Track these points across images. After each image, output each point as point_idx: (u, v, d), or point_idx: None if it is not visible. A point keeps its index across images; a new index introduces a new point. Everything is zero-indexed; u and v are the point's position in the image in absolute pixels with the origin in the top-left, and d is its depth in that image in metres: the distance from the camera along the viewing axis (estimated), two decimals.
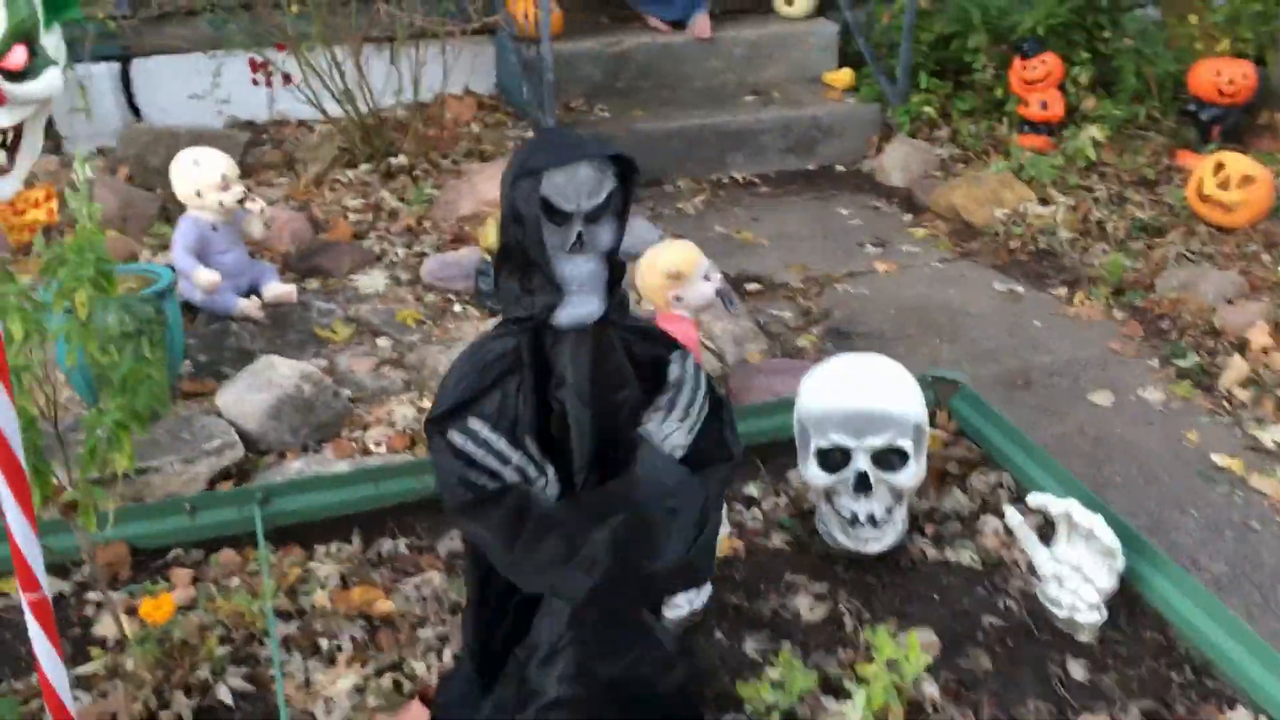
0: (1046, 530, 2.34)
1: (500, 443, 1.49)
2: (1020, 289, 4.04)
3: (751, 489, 2.70)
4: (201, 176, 3.44)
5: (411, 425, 3.00)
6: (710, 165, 5.04)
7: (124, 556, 2.29)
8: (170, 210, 4.02)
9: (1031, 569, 2.35)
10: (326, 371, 3.26)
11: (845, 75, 5.46)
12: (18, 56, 1.25)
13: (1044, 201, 4.49)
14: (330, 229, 4.16)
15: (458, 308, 3.69)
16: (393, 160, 4.66)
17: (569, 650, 1.58)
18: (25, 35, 1.25)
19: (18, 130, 1.30)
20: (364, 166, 4.66)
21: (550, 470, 1.51)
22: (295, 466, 2.81)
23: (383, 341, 3.48)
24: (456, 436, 1.47)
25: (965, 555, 2.48)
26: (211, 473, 2.78)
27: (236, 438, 2.87)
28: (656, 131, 4.97)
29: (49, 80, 1.30)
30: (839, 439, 2.34)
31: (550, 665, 1.59)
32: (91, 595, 2.21)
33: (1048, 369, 3.54)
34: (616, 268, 1.55)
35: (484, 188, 4.24)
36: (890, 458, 2.35)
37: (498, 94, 5.42)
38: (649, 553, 1.51)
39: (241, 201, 3.51)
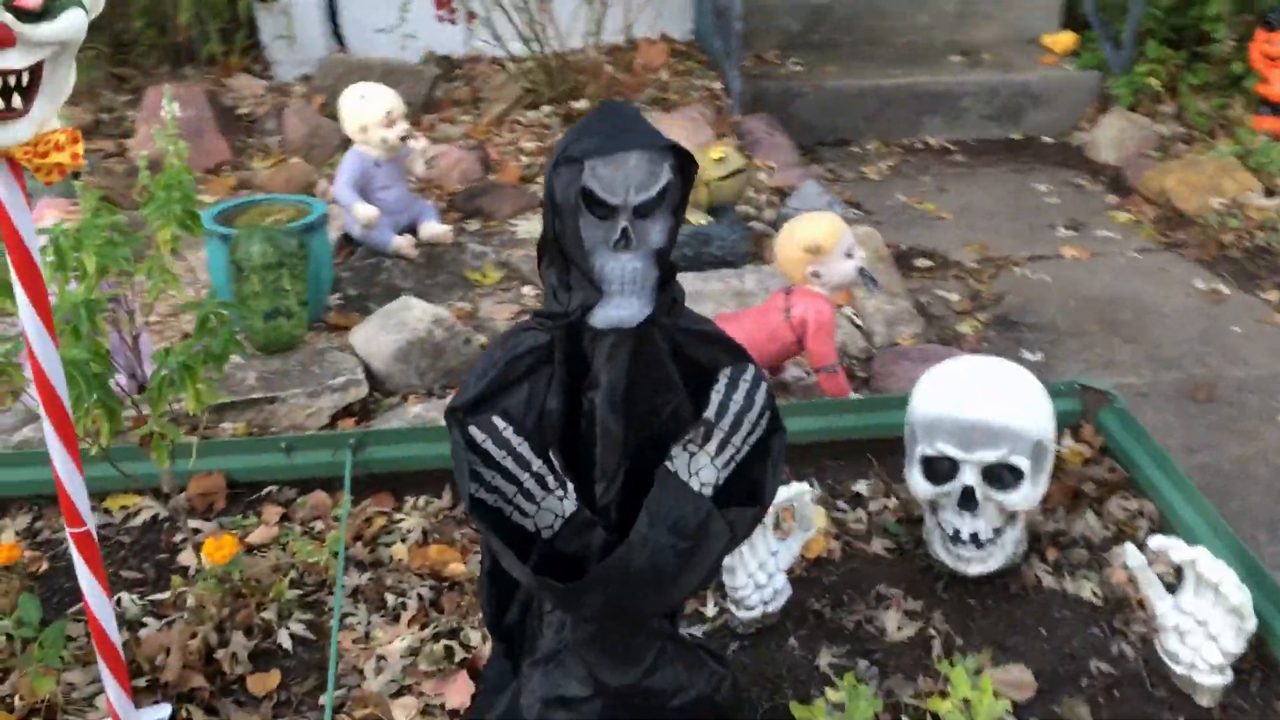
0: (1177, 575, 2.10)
1: (522, 446, 1.41)
2: (1225, 289, 3.66)
3: (860, 486, 2.54)
4: (367, 112, 3.49)
5: None
6: (903, 128, 4.78)
7: (220, 488, 2.36)
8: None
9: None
10: (468, 315, 3.28)
11: (1066, 38, 5.05)
12: None
13: (1270, 193, 4.04)
14: (499, 170, 4.17)
15: None
16: (574, 104, 4.62)
17: (571, 656, 1.51)
18: None
19: (36, 72, 1.28)
20: (546, 109, 4.64)
21: (570, 487, 1.43)
22: (415, 411, 2.83)
23: (528, 290, 3.47)
24: (476, 432, 1.41)
25: (1086, 588, 2.26)
26: (334, 409, 2.84)
27: (362, 376, 2.92)
28: (849, 89, 4.74)
29: (69, 22, 1.27)
30: (947, 448, 2.15)
31: (554, 670, 1.52)
32: (189, 523, 2.29)
33: (1239, 383, 3.19)
34: (668, 267, 1.43)
35: None
36: (1002, 474, 2.15)
37: (694, 41, 5.29)
38: (652, 597, 1.42)
39: (405, 139, 3.55)
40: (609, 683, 1.54)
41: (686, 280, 3.41)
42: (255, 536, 2.28)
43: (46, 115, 1.31)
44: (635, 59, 4.97)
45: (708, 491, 1.49)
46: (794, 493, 2.15)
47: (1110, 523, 2.43)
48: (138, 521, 2.33)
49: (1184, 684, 2.03)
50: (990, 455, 2.13)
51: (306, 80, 4.92)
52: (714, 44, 4.94)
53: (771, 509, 2.13)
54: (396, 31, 4.62)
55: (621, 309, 1.40)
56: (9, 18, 1.21)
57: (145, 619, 2.07)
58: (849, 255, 2.81)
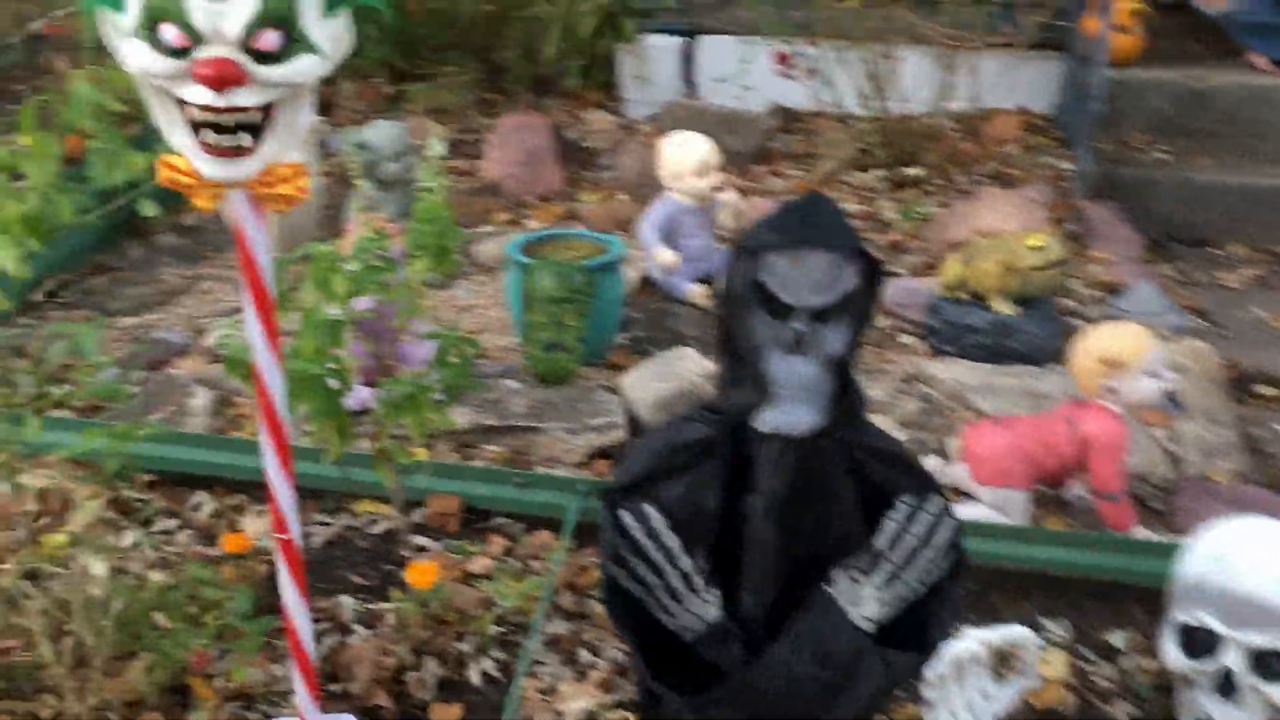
0: None
1: (671, 540, 1.35)
2: None
3: (1116, 637, 2.25)
4: (681, 159, 3.53)
5: None
6: (1277, 234, 4.24)
7: (455, 510, 2.45)
8: None
9: None
10: None
11: None
12: (269, 39, 1.29)
13: None
14: None
15: (904, 339, 3.47)
16: (907, 169, 4.46)
17: None
18: (280, 19, 1.29)
19: (268, 112, 1.35)
20: (877, 171, 4.52)
21: (716, 592, 1.35)
22: None
23: None
24: (627, 517, 1.35)
25: None
26: (590, 448, 2.88)
27: (621, 420, 2.94)
28: (1218, 185, 4.27)
29: (301, 67, 1.32)
30: (1208, 619, 1.86)
31: None
32: (419, 539, 2.39)
33: None
34: (846, 377, 1.32)
35: (986, 215, 3.92)
36: (1274, 663, 1.82)
37: (1053, 116, 4.97)
38: None
39: (716, 189, 3.56)
40: None
41: (980, 372, 3.22)
42: (476, 565, 2.34)
43: (276, 154, 1.39)
44: (984, 128, 4.73)
45: (869, 626, 1.35)
46: (1015, 636, 1.93)
47: None
48: (378, 529, 2.46)
49: None
50: (1261, 639, 1.82)
51: (653, 121, 5.07)
52: (1072, 121, 4.62)
53: (991, 647, 1.93)
54: (738, 82, 4.66)
55: (789, 415, 1.30)
56: (244, 58, 1.29)
57: (357, 625, 2.17)
58: (1153, 375, 2.51)
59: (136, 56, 1.32)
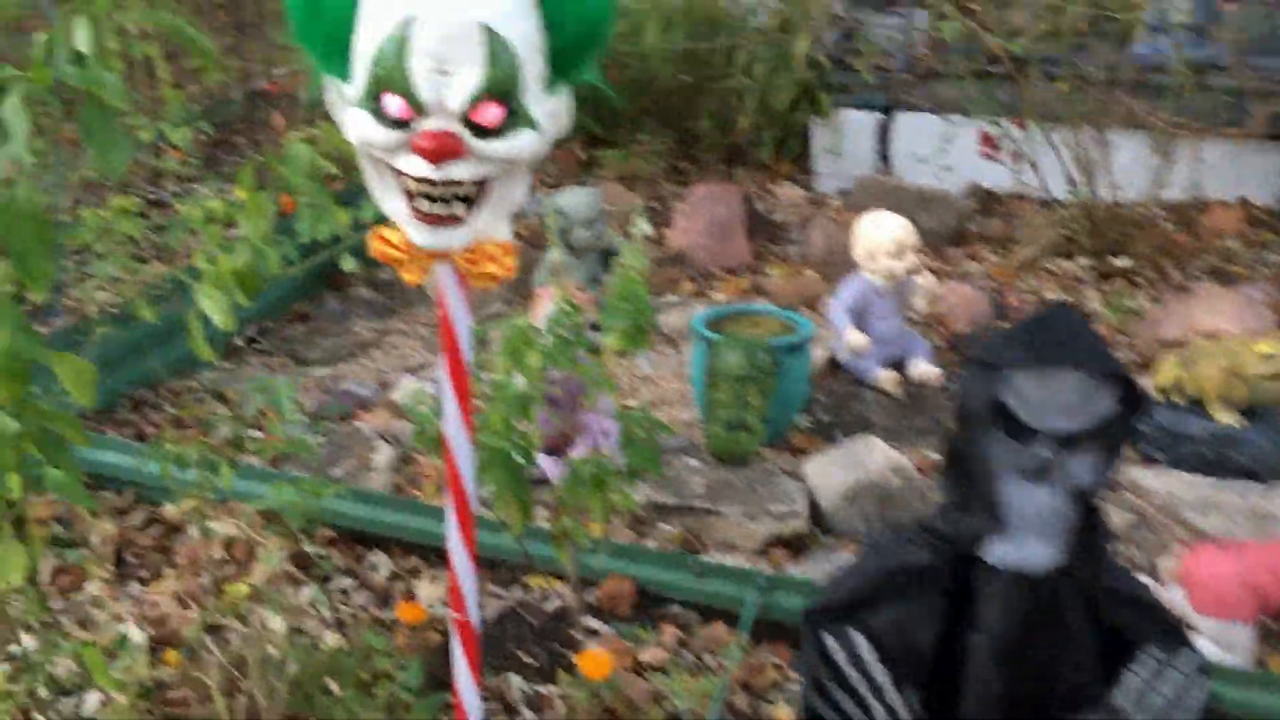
0: None
1: (878, 671, 1.23)
2: None
3: None
4: (876, 238, 3.41)
5: None
6: None
7: (628, 593, 2.36)
8: None
9: None
10: (932, 466, 3.08)
11: None
12: (490, 113, 1.25)
13: None
14: (1012, 319, 3.90)
15: None
16: (1115, 260, 4.22)
17: None
18: (503, 93, 1.25)
19: (484, 185, 1.32)
20: (1082, 260, 4.29)
21: None
22: (845, 558, 2.68)
23: None
24: (831, 643, 1.24)
25: None
26: (768, 535, 2.76)
27: (803, 510, 2.81)
28: None
29: (520, 143, 1.28)
30: None
31: None
32: (590, 621, 2.32)
33: None
34: (1090, 510, 1.18)
35: (1203, 314, 3.65)
36: None
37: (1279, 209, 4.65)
38: None
39: (911, 272, 3.42)
40: None
41: (1197, 486, 2.96)
42: (648, 654, 2.25)
43: (487, 227, 1.35)
44: (1200, 220, 4.45)
45: None
46: None
47: None
48: (550, 606, 2.40)
49: None
50: None
51: (844, 195, 4.97)
52: None
53: None
54: (936, 160, 4.51)
55: (1025, 550, 1.17)
56: (464, 131, 1.26)
57: (524, 708, 2.11)
58: None
59: (358, 126, 1.30)
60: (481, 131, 1.27)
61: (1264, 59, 4.35)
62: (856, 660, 1.24)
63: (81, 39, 1.49)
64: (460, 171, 1.29)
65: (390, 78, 1.24)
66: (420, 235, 1.34)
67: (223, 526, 2.51)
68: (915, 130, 4.92)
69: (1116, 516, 2.85)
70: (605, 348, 1.95)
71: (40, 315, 3.55)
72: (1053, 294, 4.10)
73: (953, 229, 4.53)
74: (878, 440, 3.03)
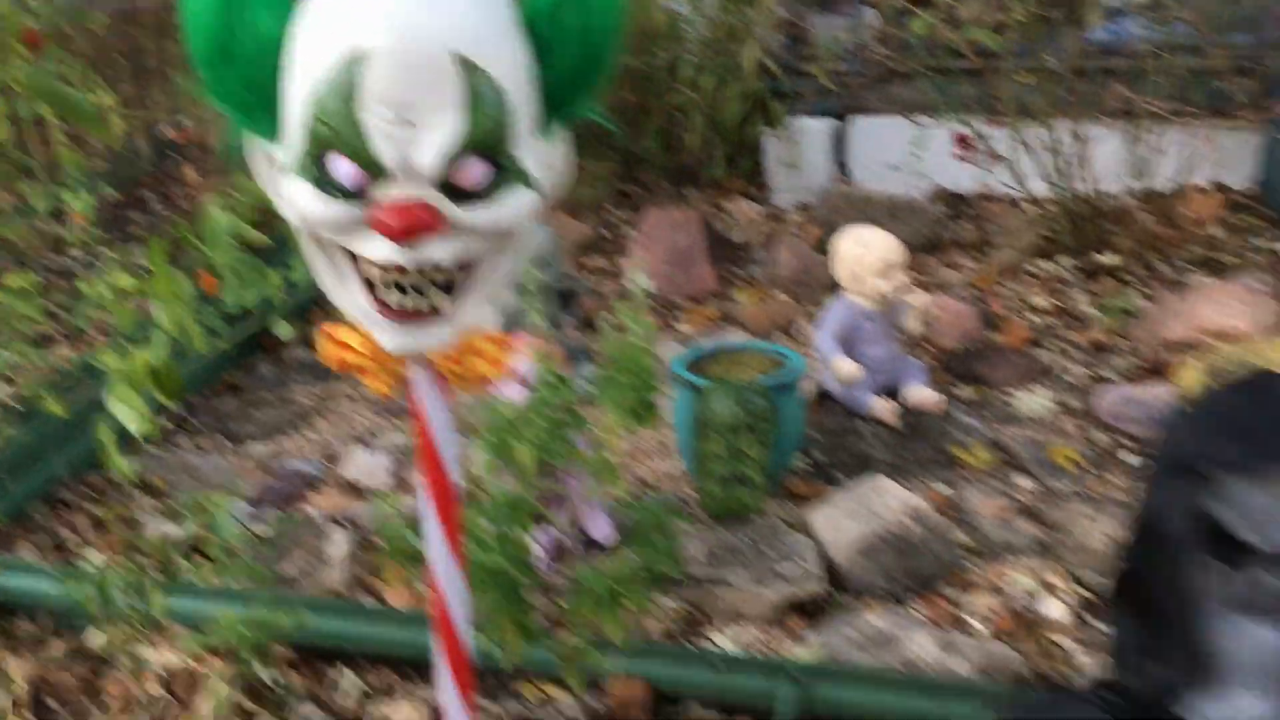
0: None
1: None
2: None
3: None
4: (862, 259, 3.14)
5: (1028, 605, 2.44)
6: None
7: (639, 697, 2.05)
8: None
9: None
10: (947, 503, 2.81)
11: None
12: (474, 173, 0.94)
13: None
14: (1002, 329, 3.66)
15: (1130, 458, 2.99)
16: (1100, 257, 4.00)
17: None
18: (487, 145, 0.95)
19: (468, 267, 1.00)
20: (1064, 260, 4.06)
21: None
22: (873, 621, 2.39)
23: (1024, 481, 2.92)
24: None
25: None
26: (781, 600, 2.47)
27: (816, 568, 2.52)
28: None
29: (513, 207, 0.97)
30: None
31: None
32: None
33: None
34: None
35: (1206, 311, 3.43)
36: None
37: (1258, 192, 4.46)
38: None
39: (901, 292, 3.15)
40: None
41: None
42: None
43: (475, 317, 1.04)
44: (1178, 208, 4.25)
45: None
46: None
47: None
48: (551, 717, 2.08)
49: None
50: None
51: (804, 210, 4.71)
52: None
53: None
54: (904, 166, 4.26)
55: (1244, 708, 0.88)
56: (440, 199, 0.94)
57: None
58: None
59: (297, 200, 0.98)
60: (463, 196, 0.95)
61: (1232, 35, 4.17)
62: None
63: None
64: (438, 252, 0.97)
65: (336, 134, 0.92)
66: (389, 337, 1.02)
67: (159, 655, 2.16)
68: (874, 135, 4.69)
69: None
70: (608, 430, 1.65)
71: None
72: (1040, 298, 3.87)
73: (925, 237, 4.28)
74: (886, 481, 2.74)
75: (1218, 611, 0.87)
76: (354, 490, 3.01)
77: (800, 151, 4.77)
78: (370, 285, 1.00)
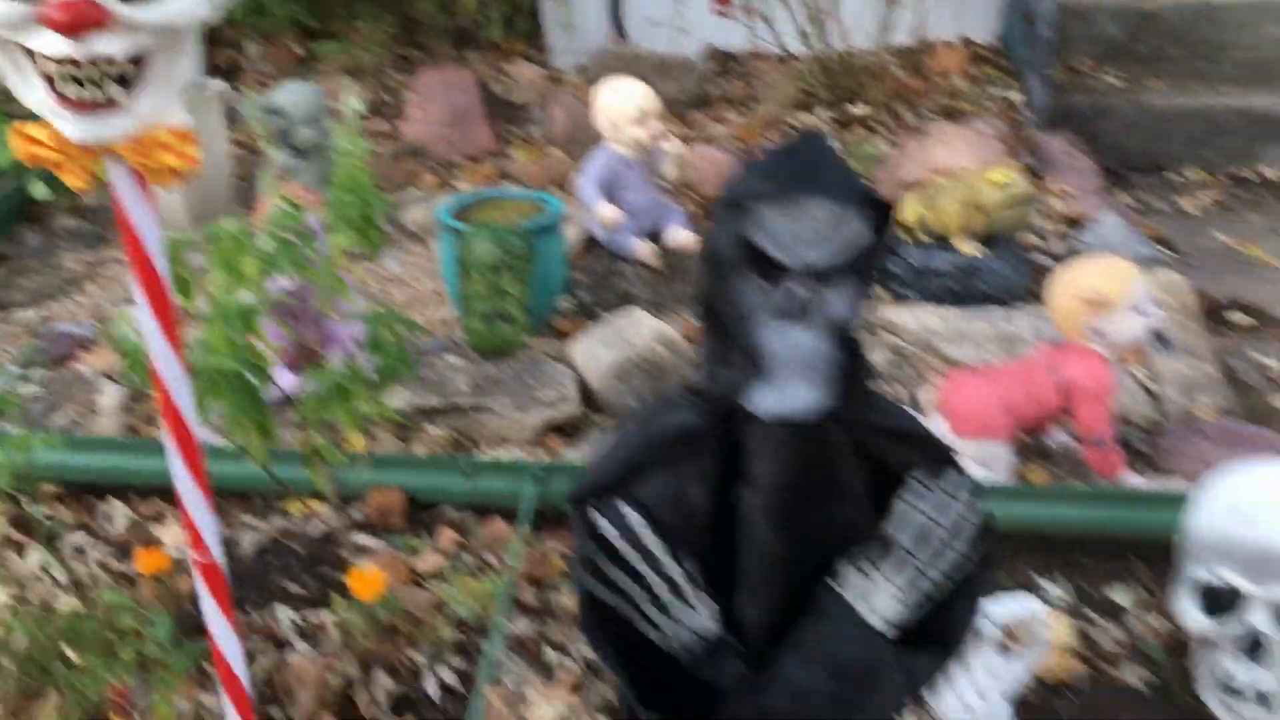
0: None
1: (654, 543, 1.15)
2: None
3: (1119, 594, 2.11)
4: (619, 108, 3.30)
5: None
6: (1234, 157, 4.13)
7: (397, 504, 2.23)
8: None
9: None
10: (699, 331, 3.05)
11: None
12: None
13: None
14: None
15: None
16: (852, 108, 4.27)
17: None
18: None
19: (140, 61, 1.11)
20: (821, 112, 4.32)
21: (709, 600, 1.16)
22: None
23: None
24: (602, 522, 1.16)
25: None
26: (541, 424, 2.67)
27: (574, 393, 2.73)
28: (1172, 109, 4.14)
29: (173, 8, 1.09)
30: (1230, 577, 1.71)
31: None
32: (360, 537, 2.17)
33: None
34: (851, 346, 1.12)
35: (939, 153, 3.74)
36: None
37: (998, 46, 4.80)
38: None
39: (657, 139, 3.34)
40: None
41: (948, 317, 3.05)
42: (424, 563, 2.13)
43: (152, 112, 1.15)
44: (927, 62, 4.55)
45: (886, 629, 1.17)
46: (1021, 608, 1.77)
47: None
48: (314, 530, 2.24)
49: None
50: None
51: (583, 70, 4.82)
52: (1019, 50, 4.46)
53: (996, 624, 1.77)
54: (672, 25, 4.41)
55: (788, 397, 1.10)
56: None
57: (296, 640, 1.96)
58: (1139, 311, 2.35)
59: None
60: None
61: None
62: (630, 535, 1.15)
63: None
64: (109, 45, 1.07)
65: None
66: (71, 126, 1.13)
67: None
68: None
69: (876, 356, 2.90)
70: (335, 248, 1.77)
71: None
72: None
73: (694, 94, 4.47)
74: (640, 312, 2.97)
75: (764, 320, 1.08)
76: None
77: (575, 13, 4.86)
78: (50, 81, 1.11)
